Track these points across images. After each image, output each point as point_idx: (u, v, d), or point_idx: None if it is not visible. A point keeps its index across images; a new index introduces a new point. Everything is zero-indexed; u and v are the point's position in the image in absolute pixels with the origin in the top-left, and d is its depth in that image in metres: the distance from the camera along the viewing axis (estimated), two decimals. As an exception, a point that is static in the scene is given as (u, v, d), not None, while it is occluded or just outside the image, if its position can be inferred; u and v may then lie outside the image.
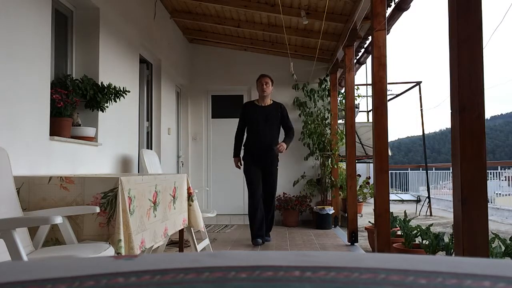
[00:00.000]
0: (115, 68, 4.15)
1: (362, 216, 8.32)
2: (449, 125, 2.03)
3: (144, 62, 5.32)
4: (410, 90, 10.04)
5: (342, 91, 7.72)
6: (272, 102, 5.27)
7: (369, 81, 9.54)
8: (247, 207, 7.37)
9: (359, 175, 8.03)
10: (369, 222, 5.00)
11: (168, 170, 5.95)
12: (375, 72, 3.54)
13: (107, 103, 3.71)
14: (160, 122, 5.63)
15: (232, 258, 0.43)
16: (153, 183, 2.96)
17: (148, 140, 5.46)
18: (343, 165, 7.10)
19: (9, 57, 2.66)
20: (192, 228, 3.89)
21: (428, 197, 9.72)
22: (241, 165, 5.25)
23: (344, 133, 6.28)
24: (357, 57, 6.56)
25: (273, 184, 5.22)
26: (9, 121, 2.65)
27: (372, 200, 6.61)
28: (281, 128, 5.30)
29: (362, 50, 6.37)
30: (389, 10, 4.34)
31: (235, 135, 5.30)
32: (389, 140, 3.60)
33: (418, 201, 11.60)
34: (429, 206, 9.64)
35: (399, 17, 4.49)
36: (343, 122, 6.54)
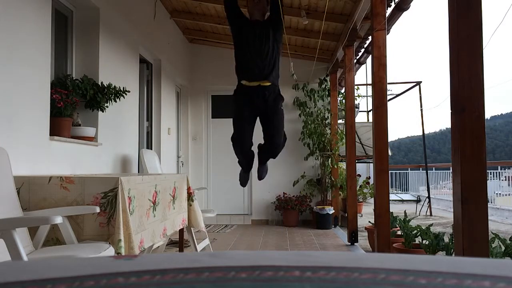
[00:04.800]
0: (115, 68, 4.14)
1: (362, 216, 8.32)
2: (449, 125, 2.03)
3: (144, 62, 5.32)
4: (410, 90, 10.04)
5: (342, 91, 7.73)
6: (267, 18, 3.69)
7: (369, 81, 9.54)
8: (247, 207, 7.40)
9: (359, 175, 8.03)
10: (369, 222, 5.00)
11: (168, 170, 5.94)
12: (375, 72, 3.54)
13: (107, 103, 3.71)
14: (160, 122, 5.63)
15: (232, 258, 0.43)
16: (153, 183, 2.96)
17: (148, 140, 5.46)
18: (343, 165, 7.10)
19: (9, 57, 2.66)
20: (192, 228, 3.89)
21: (428, 197, 9.72)
22: None
23: (344, 133, 6.28)
24: (357, 57, 6.56)
25: (278, 134, 3.57)
26: (9, 121, 2.65)
27: (372, 200, 6.61)
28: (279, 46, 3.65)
29: (362, 50, 6.37)
30: (389, 10, 4.34)
31: None
32: (389, 140, 3.60)
33: (418, 201, 11.60)
34: (429, 206, 9.64)
35: (399, 17, 4.49)
36: (343, 122, 6.54)
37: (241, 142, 3.52)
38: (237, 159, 3.76)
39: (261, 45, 3.50)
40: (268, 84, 3.47)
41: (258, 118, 3.62)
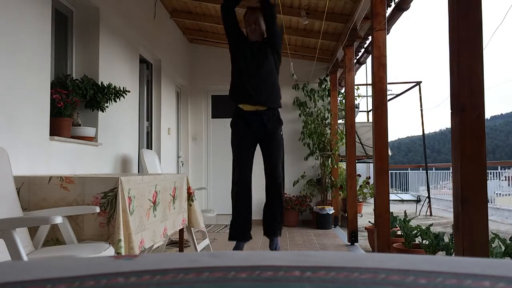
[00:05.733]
0: (115, 68, 4.15)
1: (362, 216, 8.32)
2: (449, 125, 2.03)
3: (144, 62, 5.32)
4: (410, 90, 10.04)
5: (342, 91, 7.73)
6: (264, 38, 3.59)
7: (369, 81, 9.54)
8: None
9: (359, 175, 8.03)
10: (369, 222, 5.00)
11: (168, 170, 5.94)
12: (375, 72, 3.54)
13: (107, 103, 3.71)
14: (160, 122, 5.63)
15: (232, 258, 0.43)
16: (153, 183, 2.96)
17: (148, 140, 5.46)
18: (343, 165, 7.10)
19: (9, 57, 2.66)
20: (192, 228, 3.89)
21: (428, 197, 9.72)
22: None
23: (344, 133, 6.28)
24: (357, 57, 6.56)
25: (277, 161, 3.43)
26: (9, 121, 2.65)
27: (372, 200, 6.61)
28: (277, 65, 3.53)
29: (362, 50, 6.37)
30: (389, 10, 4.34)
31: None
32: (389, 140, 3.60)
33: (418, 201, 11.60)
34: (429, 206, 9.65)
35: (399, 17, 4.49)
36: (343, 122, 6.54)
37: (239, 169, 3.42)
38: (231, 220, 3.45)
39: (259, 66, 3.41)
40: (265, 108, 3.39)
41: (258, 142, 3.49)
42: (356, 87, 6.96)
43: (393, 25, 4.66)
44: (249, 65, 3.41)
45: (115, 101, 3.79)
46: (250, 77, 3.39)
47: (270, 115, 3.40)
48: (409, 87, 10.03)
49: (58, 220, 1.86)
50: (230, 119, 3.53)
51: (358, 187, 7.83)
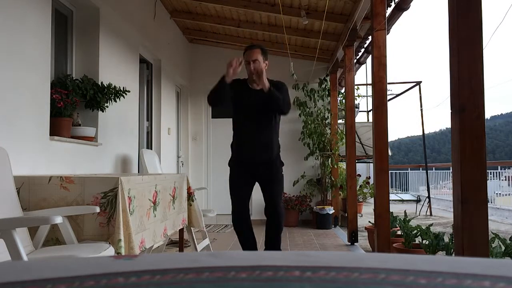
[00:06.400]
0: (115, 68, 4.14)
1: (362, 216, 8.32)
2: (449, 125, 2.03)
3: (144, 62, 5.32)
4: (410, 90, 10.05)
5: (342, 91, 7.73)
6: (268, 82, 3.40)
7: (369, 81, 9.54)
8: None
9: (359, 175, 8.03)
10: (369, 222, 5.00)
11: (168, 170, 5.94)
12: (375, 72, 3.54)
13: (107, 103, 3.71)
14: (160, 122, 5.63)
15: (232, 258, 0.43)
16: (153, 183, 2.96)
17: (148, 140, 5.45)
18: (343, 165, 7.10)
19: (9, 57, 2.66)
20: (192, 228, 3.89)
21: (428, 197, 9.72)
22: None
23: (344, 133, 6.28)
24: (357, 57, 6.56)
25: (277, 195, 3.47)
26: (9, 121, 2.65)
27: (372, 200, 6.61)
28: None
29: (362, 50, 6.37)
30: (389, 10, 4.34)
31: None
32: (389, 140, 3.60)
33: (418, 201, 11.60)
34: (429, 206, 9.64)
35: (399, 17, 4.49)
36: (343, 122, 6.55)
37: (237, 208, 3.49)
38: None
39: (257, 118, 3.42)
40: (265, 158, 3.45)
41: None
42: (356, 87, 6.97)
43: (393, 25, 4.66)
44: (247, 119, 3.47)
45: (115, 101, 3.79)
46: (247, 133, 3.47)
47: (268, 163, 3.49)
48: (409, 87, 10.04)
49: (58, 220, 1.86)
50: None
51: (358, 187, 7.83)
